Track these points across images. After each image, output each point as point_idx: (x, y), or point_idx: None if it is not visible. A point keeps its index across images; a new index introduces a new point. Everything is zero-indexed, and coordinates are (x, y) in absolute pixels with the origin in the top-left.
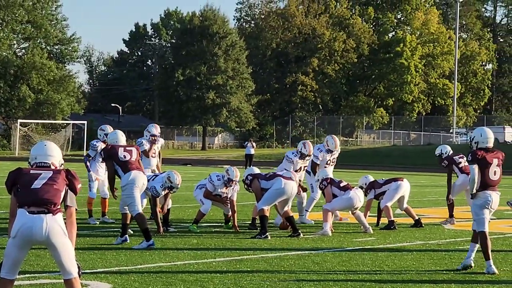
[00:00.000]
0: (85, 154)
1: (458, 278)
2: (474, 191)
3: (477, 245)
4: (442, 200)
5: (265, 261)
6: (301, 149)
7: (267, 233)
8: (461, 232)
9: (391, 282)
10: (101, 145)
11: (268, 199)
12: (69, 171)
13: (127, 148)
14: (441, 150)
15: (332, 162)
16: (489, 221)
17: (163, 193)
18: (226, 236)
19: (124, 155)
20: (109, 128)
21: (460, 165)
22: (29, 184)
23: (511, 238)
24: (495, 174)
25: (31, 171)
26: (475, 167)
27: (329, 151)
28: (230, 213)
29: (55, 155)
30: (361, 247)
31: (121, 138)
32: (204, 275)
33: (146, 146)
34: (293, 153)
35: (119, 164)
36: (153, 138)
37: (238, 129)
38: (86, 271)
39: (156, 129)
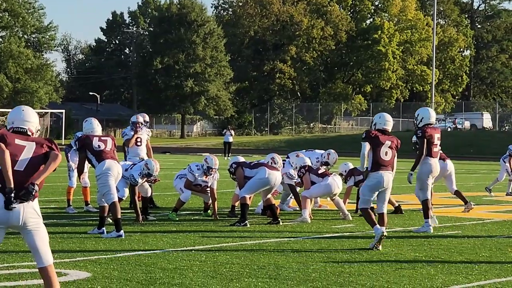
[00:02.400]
0: (63, 143)
1: (437, 264)
2: (364, 168)
3: (384, 228)
4: None
5: (244, 248)
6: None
7: (247, 221)
8: (440, 218)
9: (370, 269)
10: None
11: (251, 188)
12: (51, 141)
13: (102, 138)
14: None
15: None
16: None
17: (142, 181)
18: (205, 224)
19: (98, 145)
20: (141, 118)
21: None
22: (12, 162)
23: (490, 224)
24: (386, 155)
25: (16, 141)
26: (366, 144)
27: (326, 164)
28: (210, 201)
29: (32, 120)
30: (340, 234)
31: (97, 128)
32: (184, 263)
33: (129, 134)
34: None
35: (93, 153)
36: (136, 125)
37: (216, 117)
38: (65, 260)
39: (141, 117)
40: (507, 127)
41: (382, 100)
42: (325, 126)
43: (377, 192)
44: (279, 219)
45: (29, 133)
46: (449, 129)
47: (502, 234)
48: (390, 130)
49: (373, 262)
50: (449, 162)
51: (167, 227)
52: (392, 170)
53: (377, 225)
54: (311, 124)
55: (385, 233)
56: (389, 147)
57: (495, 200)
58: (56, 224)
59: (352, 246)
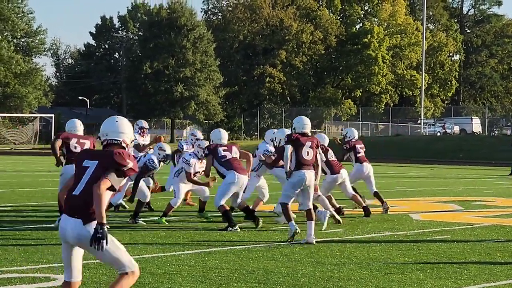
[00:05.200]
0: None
1: (427, 269)
2: (288, 169)
3: (313, 222)
4: (410, 191)
5: (233, 253)
6: None
7: (237, 226)
8: (429, 223)
9: (359, 274)
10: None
11: (223, 193)
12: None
13: (81, 140)
14: (347, 133)
15: None
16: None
17: (159, 165)
18: (194, 228)
19: (75, 147)
20: (199, 134)
21: (358, 155)
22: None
23: (479, 229)
24: (308, 154)
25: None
26: (288, 147)
27: None
28: (205, 200)
29: (127, 131)
30: (329, 239)
31: (79, 127)
32: (173, 268)
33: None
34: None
35: (71, 153)
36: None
37: (206, 121)
38: (54, 264)
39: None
40: (496, 132)
41: (371, 104)
42: (314, 130)
43: (299, 190)
44: (259, 218)
45: (123, 145)
46: (438, 134)
47: (491, 238)
48: (309, 132)
49: (362, 267)
50: (366, 165)
51: (156, 232)
52: (315, 169)
53: (293, 222)
54: None
55: (298, 230)
56: (309, 147)
57: (484, 205)
58: (45, 228)
59: (341, 250)
